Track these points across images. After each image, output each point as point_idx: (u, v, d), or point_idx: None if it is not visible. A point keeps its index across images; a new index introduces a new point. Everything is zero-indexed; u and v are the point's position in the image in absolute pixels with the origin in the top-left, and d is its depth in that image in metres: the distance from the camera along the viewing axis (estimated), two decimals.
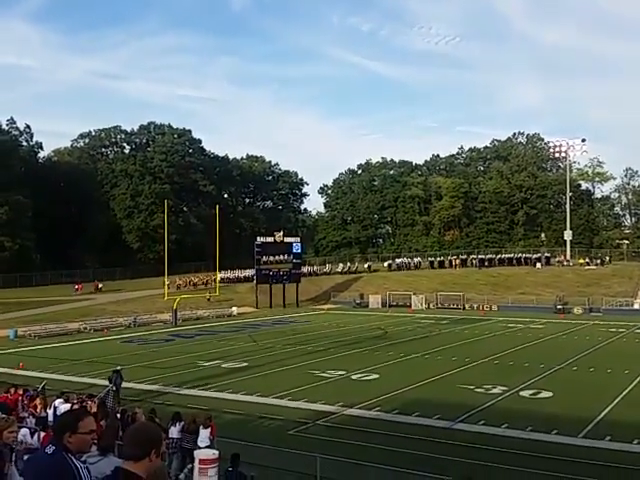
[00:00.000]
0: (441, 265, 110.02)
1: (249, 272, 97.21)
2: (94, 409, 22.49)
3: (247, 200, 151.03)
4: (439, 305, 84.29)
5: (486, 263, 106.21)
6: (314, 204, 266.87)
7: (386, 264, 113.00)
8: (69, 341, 55.87)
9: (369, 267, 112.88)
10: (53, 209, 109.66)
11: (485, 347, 48.22)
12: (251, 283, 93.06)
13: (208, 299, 79.53)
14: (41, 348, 51.81)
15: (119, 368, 32.17)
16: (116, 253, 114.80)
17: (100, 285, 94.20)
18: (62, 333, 61.83)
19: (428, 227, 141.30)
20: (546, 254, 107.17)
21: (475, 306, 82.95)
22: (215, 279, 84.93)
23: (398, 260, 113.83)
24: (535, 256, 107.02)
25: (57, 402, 24.87)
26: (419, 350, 46.36)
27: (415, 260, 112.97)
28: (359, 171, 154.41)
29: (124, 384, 32.07)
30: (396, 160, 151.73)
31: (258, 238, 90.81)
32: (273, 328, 62.58)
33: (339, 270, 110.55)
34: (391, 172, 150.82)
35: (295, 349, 47.47)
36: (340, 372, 37.81)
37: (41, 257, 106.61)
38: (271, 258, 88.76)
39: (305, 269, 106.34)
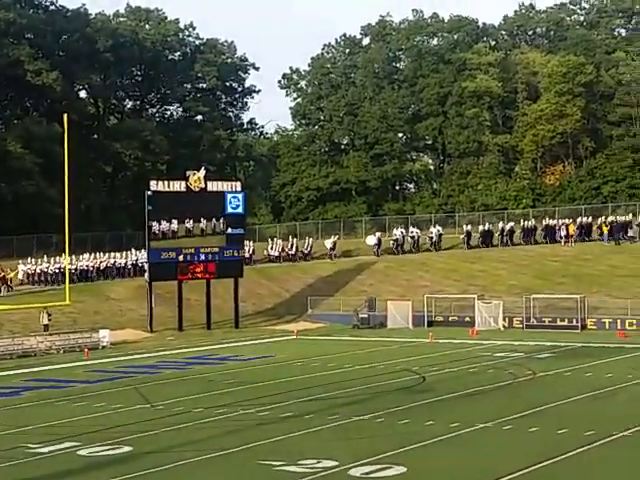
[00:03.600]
0: (536, 237, 78.26)
1: (133, 257, 74.25)
2: None
3: (129, 103, 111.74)
4: (532, 321, 61.21)
5: (631, 232, 74.97)
6: (271, 111, 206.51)
7: (425, 236, 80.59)
8: None
9: (432, 240, 79.44)
10: None
11: (627, 407, 32.36)
12: (139, 280, 70.41)
13: (47, 316, 57.46)
14: None
15: None
16: None
17: None
18: None
19: (510, 159, 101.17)
20: None
21: (607, 322, 60.18)
22: (62, 270, 64.94)
23: (446, 231, 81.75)
24: None
25: None
26: (490, 415, 30.35)
27: (483, 227, 79.15)
28: (364, 39, 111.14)
29: None
30: (443, 17, 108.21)
31: (151, 183, 63.40)
32: (187, 373, 45.60)
33: (327, 249, 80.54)
34: (433, 42, 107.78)
35: (234, 415, 32.60)
36: (327, 463, 24.71)
37: None
38: (180, 226, 64.23)
39: (252, 249, 79.13)
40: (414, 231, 77.83)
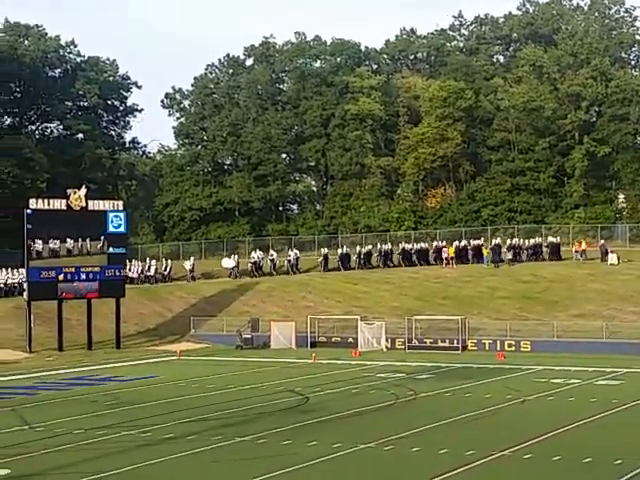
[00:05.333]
0: (420, 259, 77.94)
1: (12, 276, 73.11)
2: None
3: (7, 120, 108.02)
4: (414, 342, 62.54)
5: (509, 256, 74.89)
6: (154, 131, 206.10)
7: (312, 258, 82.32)
8: None
9: (290, 263, 79.23)
10: None
11: (506, 427, 33.22)
12: (16, 299, 69.09)
13: None
14: None
15: None
16: None
17: None
18: None
19: (392, 181, 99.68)
20: (628, 234, 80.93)
21: (487, 343, 61.70)
22: None
23: (329, 251, 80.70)
24: (604, 240, 76.68)
25: None
26: (372, 436, 30.78)
27: (365, 249, 79.10)
28: (248, 60, 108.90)
29: None
30: (326, 40, 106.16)
31: (31, 201, 62.77)
32: (67, 394, 44.75)
33: (186, 270, 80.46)
34: (315, 64, 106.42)
35: (116, 437, 32.66)
36: None
37: None
38: (60, 245, 63.22)
39: (135, 268, 78.87)
40: (272, 253, 78.17)
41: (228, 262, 77.80)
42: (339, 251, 77.89)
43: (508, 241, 76.70)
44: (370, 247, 79.91)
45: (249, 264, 76.67)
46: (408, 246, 77.83)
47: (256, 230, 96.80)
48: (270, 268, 76.43)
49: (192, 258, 78.39)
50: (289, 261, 77.22)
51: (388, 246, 77.68)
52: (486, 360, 54.28)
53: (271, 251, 77.84)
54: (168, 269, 76.84)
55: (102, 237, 63.45)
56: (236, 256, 78.45)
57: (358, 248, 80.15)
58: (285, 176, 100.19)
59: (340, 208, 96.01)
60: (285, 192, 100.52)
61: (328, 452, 26.93)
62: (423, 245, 78.72)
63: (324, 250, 78.89)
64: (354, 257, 77.66)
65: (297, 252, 78.45)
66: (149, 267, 76.58)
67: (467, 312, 64.53)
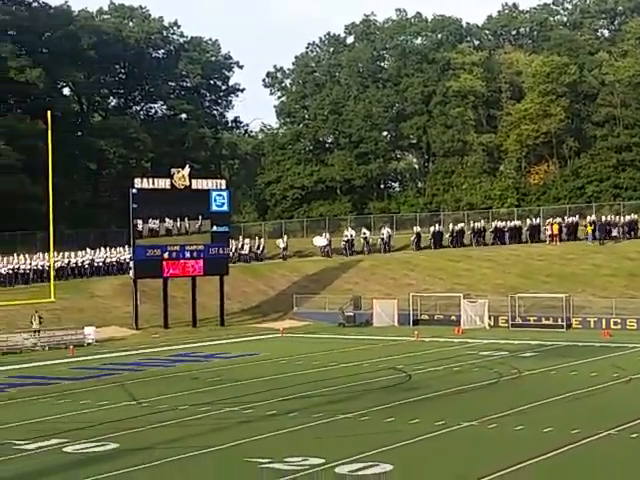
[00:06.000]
0: (520, 236, 76.63)
1: (118, 254, 72.18)
2: None
3: (113, 101, 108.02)
4: (518, 320, 61.01)
5: (615, 232, 72.78)
6: (255, 110, 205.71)
7: (410, 236, 79.14)
8: None
9: (383, 241, 77.60)
10: None
11: (612, 406, 32.26)
12: (124, 277, 68.60)
13: (39, 319, 54.86)
14: None
15: None
16: None
17: None
18: None
19: (494, 158, 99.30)
20: None
21: (592, 321, 60.07)
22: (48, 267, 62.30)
23: (432, 228, 79.12)
24: None
25: None
26: (475, 414, 30.15)
27: (478, 225, 78.12)
28: (349, 38, 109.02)
29: None
30: (427, 16, 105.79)
31: (136, 181, 62.15)
32: (172, 371, 44.75)
33: (322, 246, 79.36)
34: (417, 41, 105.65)
35: (219, 414, 32.32)
36: (313, 460, 24.47)
37: None
38: (165, 224, 62.73)
39: (246, 245, 78.71)
40: (365, 232, 77.64)
41: (320, 240, 77.73)
42: (432, 229, 77.57)
43: (610, 218, 74.55)
44: (463, 225, 78.74)
45: (342, 242, 76.61)
46: (501, 224, 76.75)
47: (357, 208, 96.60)
48: (363, 246, 76.17)
49: (285, 237, 78.34)
50: (382, 239, 76.88)
51: (481, 224, 76.85)
52: (591, 338, 53.42)
53: (364, 229, 77.75)
54: (261, 247, 76.78)
55: (206, 216, 63.36)
56: (328, 234, 78.45)
57: (451, 226, 79.07)
58: (386, 154, 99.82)
59: (442, 185, 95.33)
60: (386, 170, 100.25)
61: (431, 430, 26.70)
62: (517, 223, 77.39)
63: (417, 228, 78.02)
64: (447, 235, 77.08)
65: (389, 230, 77.97)
66: (242, 245, 76.81)
67: (571, 290, 63.24)
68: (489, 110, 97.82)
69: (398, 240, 78.58)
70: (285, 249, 76.49)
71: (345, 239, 76.07)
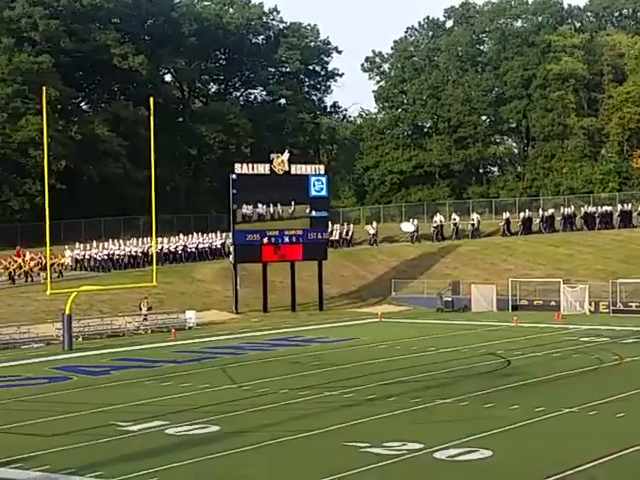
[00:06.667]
0: (625, 220, 75.17)
1: (218, 239, 72.63)
2: None
3: (213, 87, 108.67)
4: (619, 306, 60.07)
5: None
6: (353, 95, 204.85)
7: (509, 219, 78.64)
8: None
9: (473, 227, 77.10)
10: None
11: None
12: (224, 262, 69.05)
13: (147, 304, 56.13)
14: None
15: None
16: None
17: None
18: None
19: (596, 142, 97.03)
20: None
21: None
22: (148, 254, 64.93)
23: (522, 214, 78.50)
24: None
25: None
26: (576, 400, 29.89)
27: (568, 210, 76.83)
28: (448, 22, 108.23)
29: None
30: (527, 0, 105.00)
31: (236, 166, 62.59)
32: (272, 354, 45.06)
33: (409, 232, 78.61)
34: (516, 24, 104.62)
35: (318, 398, 32.45)
36: (412, 445, 24.26)
37: None
38: (264, 209, 63.58)
39: (336, 231, 77.46)
40: (455, 217, 77.07)
41: (407, 226, 77.13)
42: (521, 215, 76.60)
43: None
44: (552, 211, 77.29)
45: (432, 228, 75.82)
46: (591, 209, 75.29)
47: (456, 193, 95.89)
48: (452, 232, 75.80)
49: (375, 222, 78.03)
50: (473, 225, 76.33)
51: (571, 209, 75.58)
52: None
53: (453, 215, 77.26)
54: (350, 233, 76.57)
55: (305, 201, 63.34)
56: (415, 220, 77.93)
57: (540, 212, 77.75)
58: (485, 138, 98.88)
59: (542, 170, 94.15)
60: (485, 154, 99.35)
61: (531, 416, 26.57)
62: (607, 208, 75.88)
63: (506, 214, 76.95)
64: (536, 221, 76.24)
65: (478, 216, 77.34)
66: (332, 231, 76.62)
67: None
68: (590, 93, 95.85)
69: (493, 225, 77.98)
70: (375, 235, 76.12)
71: (435, 225, 75.34)
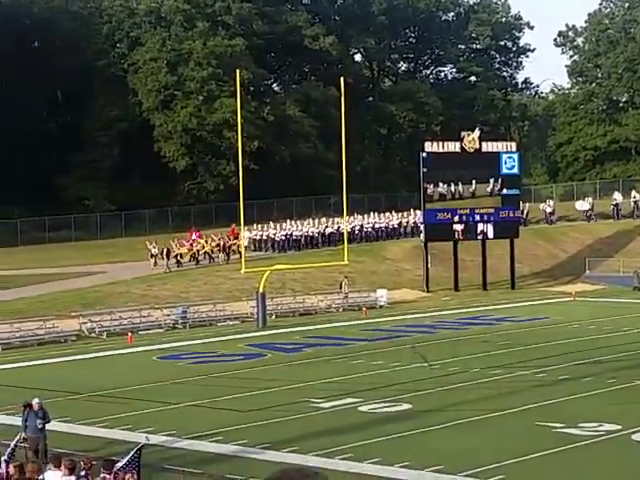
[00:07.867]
0: None
1: (408, 218, 72.80)
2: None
3: (402, 66, 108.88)
4: None
5: None
6: (545, 71, 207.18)
7: None
8: (60, 356, 43.13)
9: (638, 205, 76.75)
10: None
11: None
12: (414, 241, 69.32)
13: (346, 281, 58.13)
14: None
15: (36, 401, 23.89)
16: (139, 180, 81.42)
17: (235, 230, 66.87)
18: (48, 340, 48.32)
19: None
20: None
21: None
22: (339, 234, 65.55)
23: None
24: None
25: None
26: None
27: None
28: None
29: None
30: None
31: (426, 144, 62.45)
32: (463, 333, 46.12)
33: (545, 213, 78.06)
34: None
35: (510, 377, 33.00)
36: (610, 427, 24.67)
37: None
38: (455, 187, 63.26)
39: (527, 209, 76.09)
40: (636, 195, 74.97)
41: (582, 204, 75.81)
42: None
43: None
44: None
45: (611, 205, 74.20)
46: None
47: None
48: (634, 210, 74.15)
49: (550, 200, 76.72)
50: None
51: None
52: None
53: (633, 192, 75.02)
54: (525, 212, 75.12)
55: (496, 179, 62.85)
56: (590, 198, 76.51)
57: None
58: None
59: None
60: None
61: None
62: None
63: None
64: None
65: (638, 195, 74.86)
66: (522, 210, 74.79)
67: None
68: None
69: None
70: (552, 214, 74.85)
71: (614, 202, 73.90)
